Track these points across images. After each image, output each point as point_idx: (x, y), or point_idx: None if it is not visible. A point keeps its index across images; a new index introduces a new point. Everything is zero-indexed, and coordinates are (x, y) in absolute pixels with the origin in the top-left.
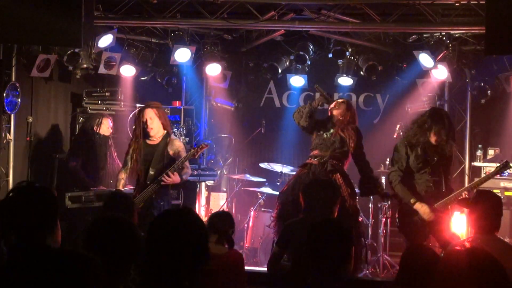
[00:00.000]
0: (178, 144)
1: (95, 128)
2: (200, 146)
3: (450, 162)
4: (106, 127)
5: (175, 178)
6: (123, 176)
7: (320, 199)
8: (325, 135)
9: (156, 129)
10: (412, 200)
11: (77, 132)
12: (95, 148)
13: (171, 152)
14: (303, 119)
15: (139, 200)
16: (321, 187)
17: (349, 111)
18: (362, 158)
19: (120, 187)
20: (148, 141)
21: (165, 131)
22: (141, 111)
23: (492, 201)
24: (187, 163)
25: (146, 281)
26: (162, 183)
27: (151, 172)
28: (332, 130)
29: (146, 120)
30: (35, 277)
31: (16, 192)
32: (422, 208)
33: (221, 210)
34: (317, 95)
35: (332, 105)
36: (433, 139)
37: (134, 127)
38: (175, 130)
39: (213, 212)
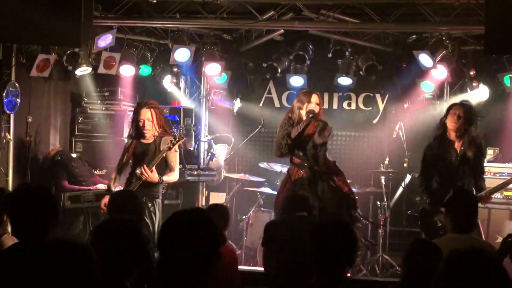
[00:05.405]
0: (168, 142)
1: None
2: (176, 141)
3: (475, 162)
4: None
5: (151, 175)
6: (114, 176)
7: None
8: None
9: (151, 130)
10: None
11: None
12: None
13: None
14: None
15: None
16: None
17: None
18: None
19: (112, 187)
20: (142, 140)
21: (160, 130)
22: (137, 110)
23: (468, 201)
24: (176, 168)
25: (159, 281)
26: (143, 177)
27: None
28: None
29: (143, 121)
30: (33, 270)
31: (18, 192)
32: None
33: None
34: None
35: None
36: (451, 134)
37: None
38: (174, 130)
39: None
